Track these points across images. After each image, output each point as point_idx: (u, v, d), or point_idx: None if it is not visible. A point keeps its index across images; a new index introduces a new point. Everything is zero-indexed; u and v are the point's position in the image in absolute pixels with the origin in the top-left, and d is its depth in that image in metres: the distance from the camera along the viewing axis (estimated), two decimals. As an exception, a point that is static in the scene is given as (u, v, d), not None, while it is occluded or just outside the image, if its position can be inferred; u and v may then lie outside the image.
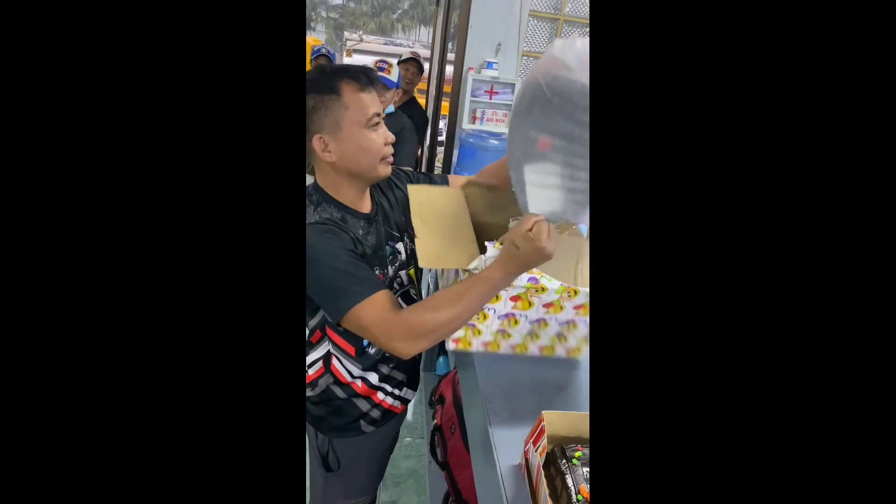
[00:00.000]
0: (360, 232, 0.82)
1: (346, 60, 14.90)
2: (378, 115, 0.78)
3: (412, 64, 2.38)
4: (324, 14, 19.33)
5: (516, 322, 0.86)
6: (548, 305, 0.84)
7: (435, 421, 1.39)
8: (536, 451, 0.66)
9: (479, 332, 0.86)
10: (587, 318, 0.86)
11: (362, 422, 0.94)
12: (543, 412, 0.69)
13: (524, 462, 0.72)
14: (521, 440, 0.74)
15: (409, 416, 2.06)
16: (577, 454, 0.66)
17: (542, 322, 0.87)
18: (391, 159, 0.82)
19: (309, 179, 0.85)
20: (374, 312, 0.71)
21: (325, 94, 0.75)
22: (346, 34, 17.30)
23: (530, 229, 0.68)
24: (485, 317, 0.85)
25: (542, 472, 0.64)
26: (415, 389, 1.03)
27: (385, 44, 13.83)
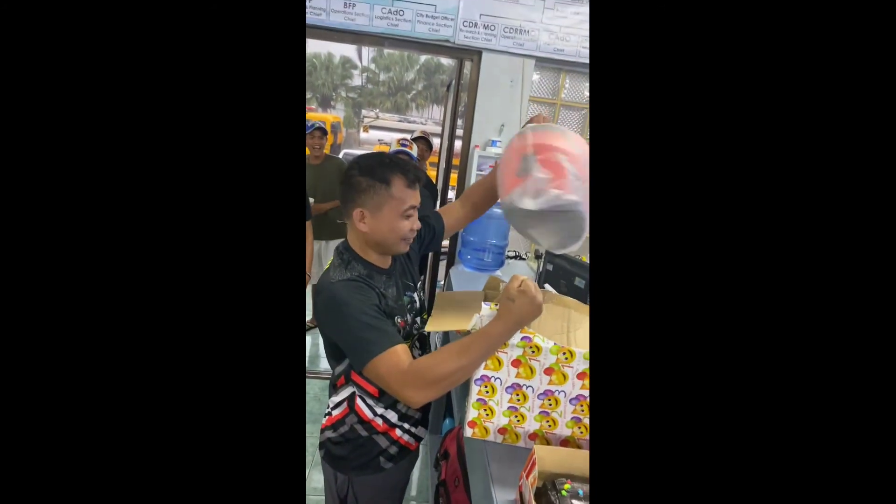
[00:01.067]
0: (382, 287, 0.94)
1: (363, 135, 15.91)
2: (414, 207, 0.93)
3: (422, 142, 2.65)
4: (343, 94, 20.83)
5: (525, 397, 0.85)
6: (548, 372, 0.84)
7: (440, 476, 1.42)
8: (528, 482, 0.72)
9: (492, 412, 0.86)
10: None
11: (381, 458, 1.00)
12: (535, 447, 0.76)
13: (518, 496, 0.78)
14: (517, 477, 0.80)
15: (414, 480, 2.05)
16: (566, 486, 0.73)
17: (550, 397, 0.85)
18: (411, 240, 0.97)
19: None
20: (390, 364, 0.81)
21: (378, 181, 0.89)
22: (364, 112, 18.56)
23: (519, 285, 0.80)
24: (493, 389, 0.85)
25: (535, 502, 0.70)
26: (426, 428, 1.09)
27: (400, 121, 14.81)
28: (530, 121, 1.05)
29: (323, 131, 2.86)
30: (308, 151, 2.83)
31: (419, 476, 2.10)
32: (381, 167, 0.91)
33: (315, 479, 1.94)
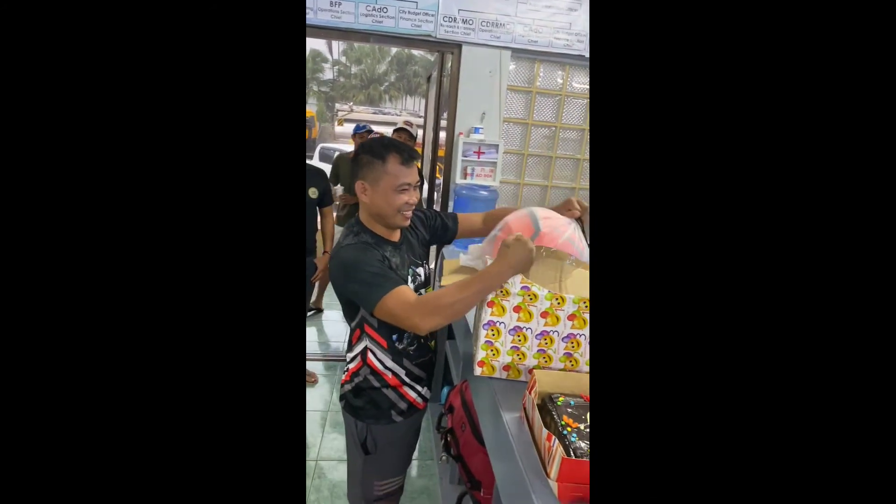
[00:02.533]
0: (388, 253, 1.10)
1: (338, 129, 15.81)
2: (408, 183, 1.07)
3: (403, 133, 2.82)
4: (315, 88, 20.57)
5: (525, 338, 1.01)
6: (544, 315, 0.99)
7: (447, 426, 1.60)
8: (531, 396, 0.91)
9: (497, 352, 1.03)
10: (585, 332, 1.01)
11: (392, 412, 1.17)
12: (535, 370, 0.94)
13: (523, 413, 0.96)
14: (517, 405, 0.98)
15: (419, 441, 2.23)
16: (560, 399, 0.91)
17: (546, 337, 1.01)
18: (409, 214, 1.11)
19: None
20: (397, 299, 0.97)
21: (376, 157, 1.06)
22: (338, 105, 18.39)
23: (516, 236, 0.97)
24: (498, 332, 1.01)
25: (537, 411, 0.88)
26: (430, 390, 1.26)
27: (374, 113, 14.80)
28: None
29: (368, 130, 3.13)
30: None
31: (421, 439, 2.28)
32: (379, 146, 1.07)
33: (326, 445, 2.10)
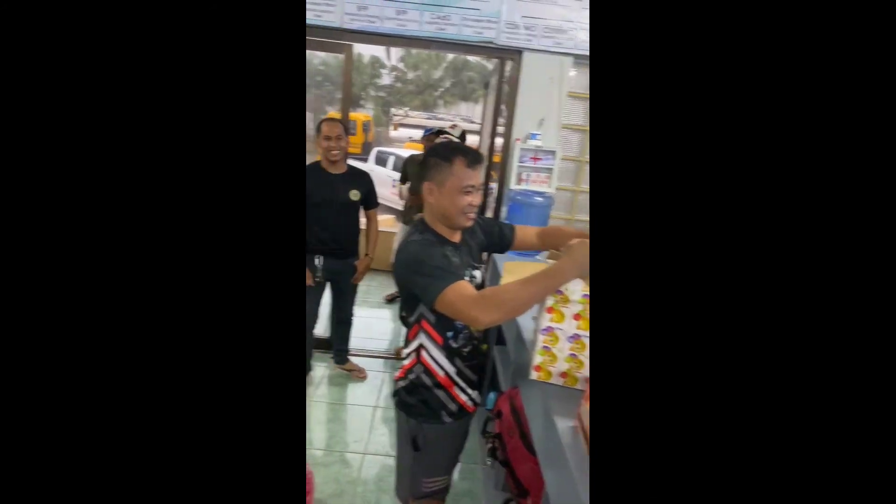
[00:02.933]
0: (449, 252, 1.12)
1: (393, 133, 16.24)
2: (473, 186, 1.10)
3: (441, 138, 2.87)
4: (372, 93, 21.18)
5: (583, 346, 1.02)
6: None
7: (495, 430, 1.60)
8: (588, 407, 0.89)
9: (555, 358, 1.03)
10: None
11: (443, 412, 1.19)
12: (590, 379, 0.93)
13: (578, 422, 0.95)
14: (573, 412, 0.97)
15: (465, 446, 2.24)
16: (619, 411, 0.90)
17: None
18: (472, 216, 1.14)
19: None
20: (458, 292, 0.99)
21: (443, 160, 1.10)
22: (393, 110, 18.84)
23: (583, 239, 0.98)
24: (556, 339, 1.02)
25: (593, 422, 0.87)
26: (481, 393, 1.27)
27: (428, 118, 15.06)
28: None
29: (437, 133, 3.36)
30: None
31: (468, 441, 2.28)
32: (446, 150, 1.12)
33: (374, 441, 2.15)
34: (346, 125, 2.29)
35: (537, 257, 2.13)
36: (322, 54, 3.73)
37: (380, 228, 2.54)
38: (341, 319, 2.53)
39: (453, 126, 2.98)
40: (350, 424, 2.27)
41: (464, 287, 1.01)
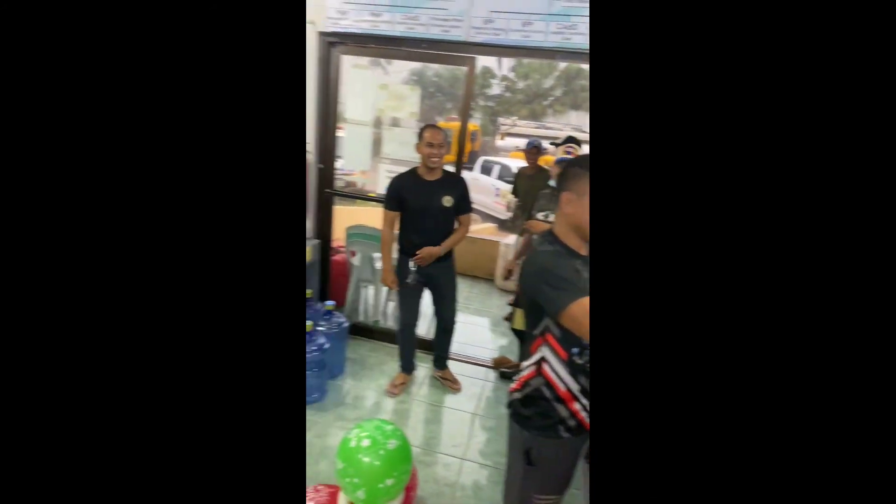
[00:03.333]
0: (578, 265, 1.10)
1: (499, 142, 16.34)
2: None
3: (533, 150, 2.82)
4: (482, 103, 21.53)
5: None
6: None
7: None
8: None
9: None
10: None
11: (561, 427, 1.15)
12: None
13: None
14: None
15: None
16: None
17: None
18: None
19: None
20: (584, 310, 0.97)
21: (584, 169, 1.09)
22: (500, 119, 18.96)
23: None
24: None
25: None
26: None
27: (536, 127, 14.89)
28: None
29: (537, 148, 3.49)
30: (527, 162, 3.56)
31: (567, 465, 2.20)
32: (588, 161, 1.09)
33: (472, 448, 2.16)
34: (464, 133, 2.34)
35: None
36: (435, 66, 3.92)
37: (481, 236, 2.55)
38: (444, 328, 2.56)
39: (571, 137, 2.92)
40: (450, 427, 2.31)
41: (590, 304, 0.98)
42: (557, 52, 2.36)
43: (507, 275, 3.04)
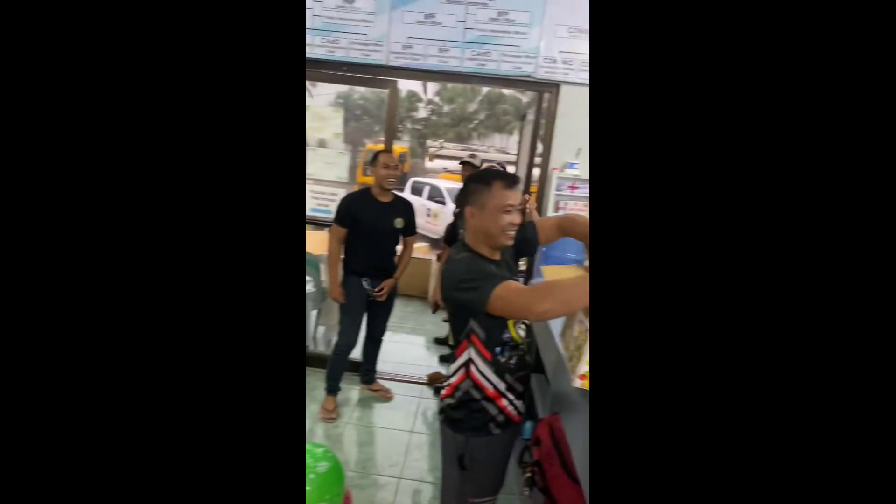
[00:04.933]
0: (492, 268, 1.17)
1: (428, 164, 16.68)
2: (512, 205, 1.16)
3: (468, 165, 2.95)
4: (409, 126, 21.87)
5: None
6: None
7: (534, 458, 1.58)
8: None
9: None
10: None
11: (491, 424, 1.20)
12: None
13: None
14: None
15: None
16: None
17: None
18: (513, 234, 1.19)
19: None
20: (510, 289, 1.03)
21: (483, 184, 1.16)
22: (429, 142, 19.36)
23: None
24: None
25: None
26: (524, 403, 1.29)
27: (463, 149, 15.39)
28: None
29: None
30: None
31: (502, 473, 2.24)
32: (485, 174, 1.20)
33: (410, 465, 2.15)
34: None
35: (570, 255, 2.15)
36: (361, 89, 3.94)
37: (415, 255, 2.62)
38: (373, 339, 2.60)
39: (472, 156, 3.08)
40: (386, 448, 2.28)
41: (513, 283, 1.06)
42: (474, 76, 2.50)
43: (435, 308, 2.99)
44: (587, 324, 1.06)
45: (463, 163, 3.03)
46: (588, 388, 1.06)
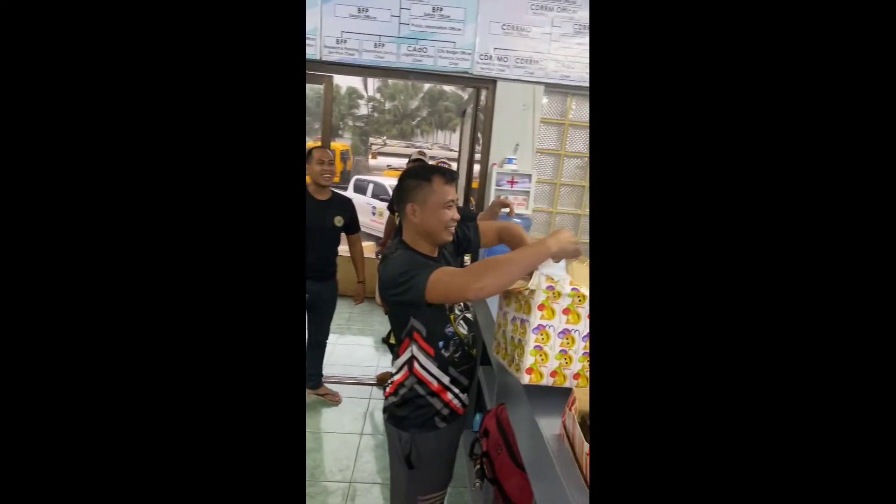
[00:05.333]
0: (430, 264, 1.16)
1: (372, 161, 16.44)
2: (453, 201, 1.17)
3: (418, 164, 2.96)
4: (350, 123, 21.46)
5: (572, 340, 1.04)
6: (590, 316, 1.02)
7: (483, 449, 1.60)
8: (572, 413, 0.92)
9: (546, 356, 1.04)
10: None
11: (436, 419, 1.21)
12: (574, 389, 0.96)
13: (563, 430, 0.97)
14: (558, 422, 1.00)
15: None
16: (601, 417, 0.93)
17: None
18: (453, 230, 1.20)
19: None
20: (445, 273, 1.04)
21: (422, 180, 1.15)
22: (371, 139, 19.09)
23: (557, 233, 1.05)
24: (548, 336, 1.03)
25: (579, 428, 0.89)
26: (469, 395, 1.30)
27: (406, 146, 15.30)
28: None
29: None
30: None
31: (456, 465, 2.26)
32: (423, 170, 1.19)
33: (360, 468, 2.11)
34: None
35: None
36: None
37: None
38: (317, 342, 2.54)
39: (421, 153, 3.09)
40: (335, 452, 2.23)
41: (449, 269, 1.07)
42: (411, 72, 2.48)
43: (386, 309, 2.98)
44: (520, 316, 1.08)
45: (413, 160, 3.00)
46: (537, 382, 1.07)
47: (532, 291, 1.03)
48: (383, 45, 2.40)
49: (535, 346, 1.05)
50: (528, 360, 1.06)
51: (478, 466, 1.59)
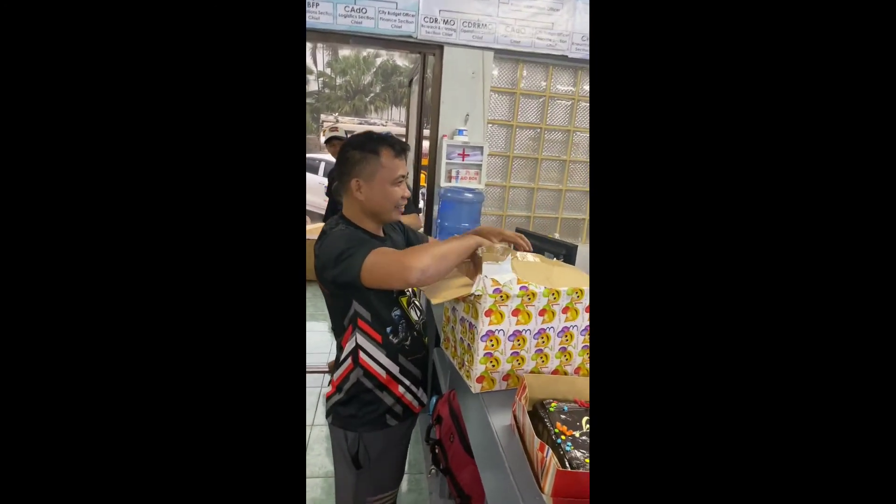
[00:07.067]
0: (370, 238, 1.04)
1: (323, 139, 15.81)
2: (403, 176, 1.04)
3: (337, 141, 2.76)
4: (300, 100, 20.52)
5: (524, 340, 0.97)
6: (542, 313, 0.96)
7: (435, 437, 1.52)
8: (522, 402, 0.84)
9: (497, 362, 0.97)
10: (577, 323, 0.99)
11: (387, 416, 1.09)
12: (525, 375, 0.88)
13: (513, 420, 0.89)
14: (509, 411, 0.91)
15: (408, 455, 2.14)
16: (553, 405, 0.85)
17: (543, 335, 0.97)
18: (402, 208, 1.07)
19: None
20: (383, 256, 0.93)
21: (369, 152, 1.01)
22: (323, 116, 18.35)
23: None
24: (498, 341, 0.95)
25: (528, 418, 0.81)
26: (427, 393, 1.19)
27: (360, 124, 14.79)
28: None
29: None
30: None
31: (411, 451, 2.19)
32: (370, 141, 1.03)
33: (310, 462, 2.00)
34: None
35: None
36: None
37: (312, 237, 2.40)
38: None
39: (334, 129, 2.90)
40: (283, 447, 2.10)
41: (388, 250, 0.96)
42: (350, 36, 2.28)
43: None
44: (468, 318, 0.98)
45: (329, 140, 2.81)
46: (489, 390, 0.99)
47: (478, 296, 0.93)
48: (317, 4, 2.18)
49: (486, 354, 0.96)
50: (479, 368, 0.97)
51: (432, 453, 1.51)
